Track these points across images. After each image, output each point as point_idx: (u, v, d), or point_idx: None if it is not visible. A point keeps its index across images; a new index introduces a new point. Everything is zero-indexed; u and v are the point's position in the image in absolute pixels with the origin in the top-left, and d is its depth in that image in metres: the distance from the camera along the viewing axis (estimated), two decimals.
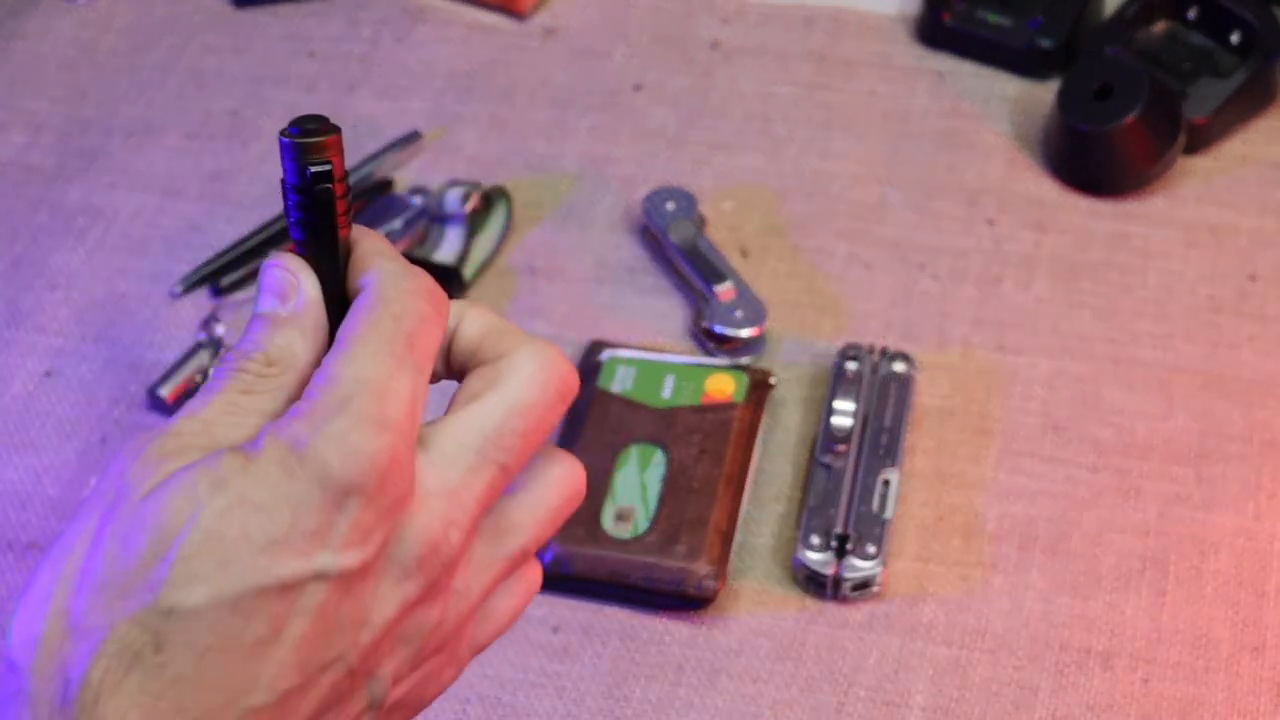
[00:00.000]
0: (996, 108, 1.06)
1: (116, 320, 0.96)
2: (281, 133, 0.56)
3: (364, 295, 0.54)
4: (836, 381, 0.88)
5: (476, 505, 0.53)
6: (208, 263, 0.98)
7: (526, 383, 0.55)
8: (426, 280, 0.55)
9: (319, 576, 0.49)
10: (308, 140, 0.59)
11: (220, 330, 0.95)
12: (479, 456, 0.53)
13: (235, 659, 0.49)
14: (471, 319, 0.56)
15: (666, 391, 0.88)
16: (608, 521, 0.83)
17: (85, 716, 0.48)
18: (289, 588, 0.49)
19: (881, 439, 0.86)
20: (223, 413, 0.52)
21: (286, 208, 0.57)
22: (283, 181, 0.57)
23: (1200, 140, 1.02)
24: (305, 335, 0.54)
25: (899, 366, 0.89)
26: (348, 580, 0.50)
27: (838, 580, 0.82)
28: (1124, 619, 0.81)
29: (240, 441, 0.51)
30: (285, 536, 0.49)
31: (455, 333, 0.56)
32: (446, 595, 0.53)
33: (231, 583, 0.48)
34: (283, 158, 0.57)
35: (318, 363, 0.53)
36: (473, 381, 0.55)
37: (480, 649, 0.57)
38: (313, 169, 0.58)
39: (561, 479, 0.58)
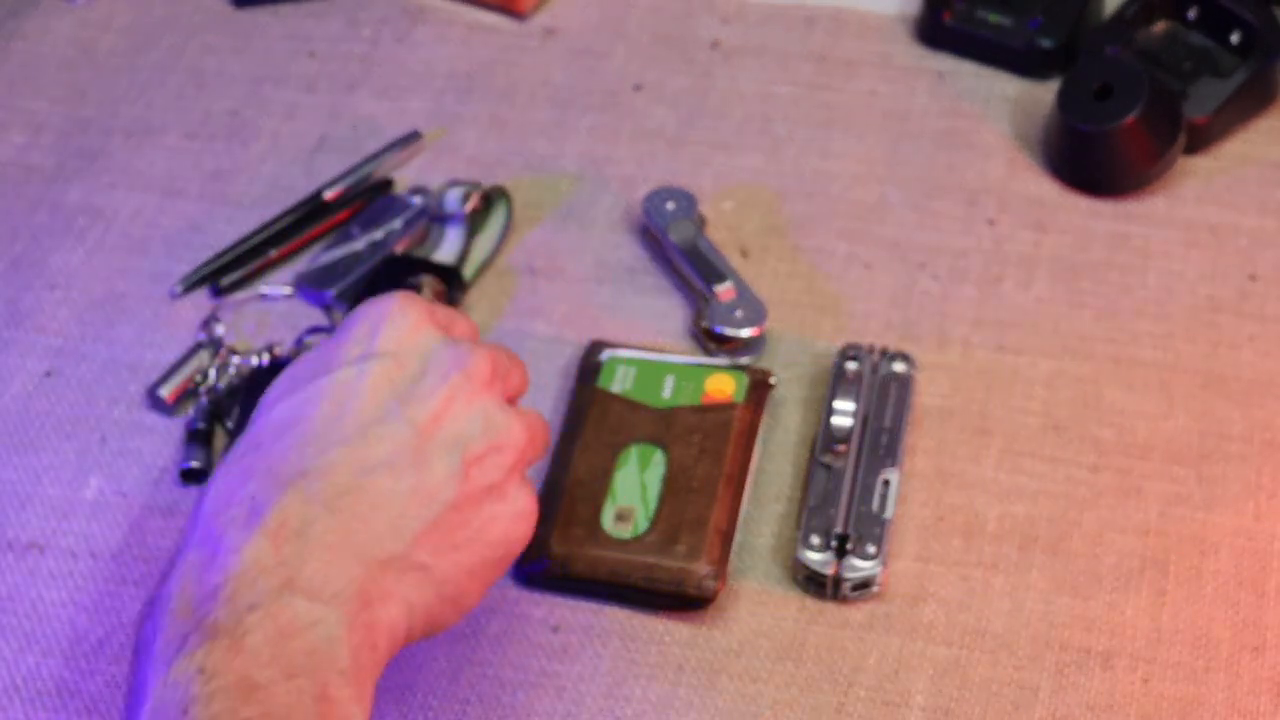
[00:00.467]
0: (997, 107, 1.06)
1: (116, 320, 0.96)
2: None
3: None
4: (836, 381, 0.88)
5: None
6: (207, 263, 0.98)
7: None
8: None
9: (361, 368, 0.71)
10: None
11: (220, 330, 0.95)
12: None
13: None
14: None
15: (666, 391, 0.88)
16: (608, 522, 0.83)
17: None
18: (340, 380, 0.71)
19: (881, 439, 0.86)
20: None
21: None
22: None
23: (1200, 140, 1.02)
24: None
25: (899, 366, 0.89)
26: (385, 367, 0.71)
27: (838, 580, 0.82)
28: (1124, 619, 0.81)
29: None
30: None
31: None
32: (483, 396, 0.72)
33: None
34: None
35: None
36: None
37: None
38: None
39: None
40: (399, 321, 0.71)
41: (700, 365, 0.90)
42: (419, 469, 0.68)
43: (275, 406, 0.70)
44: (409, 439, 0.68)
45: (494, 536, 0.70)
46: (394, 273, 0.95)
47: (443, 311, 0.75)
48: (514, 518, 0.71)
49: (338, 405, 0.69)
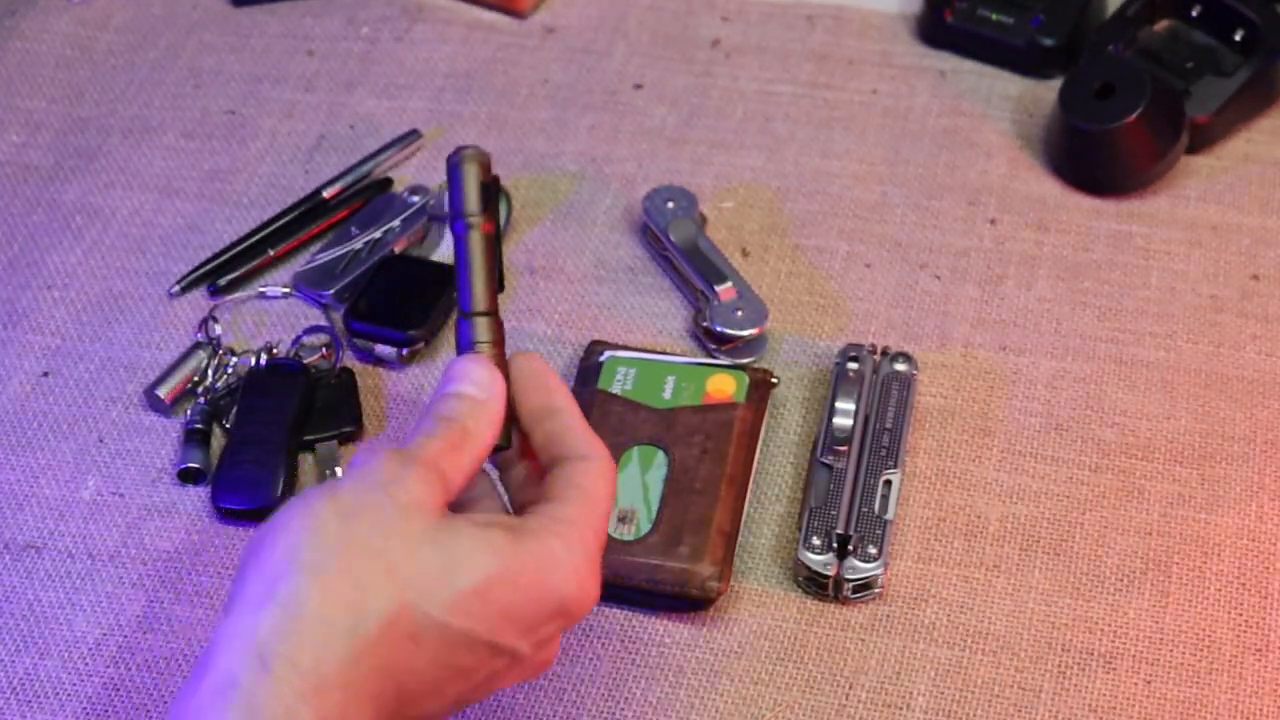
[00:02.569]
0: (998, 107, 1.06)
1: (114, 320, 0.96)
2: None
3: (597, 465, 0.68)
4: (838, 382, 0.88)
5: None
6: (205, 262, 0.98)
7: (603, 499, 0.69)
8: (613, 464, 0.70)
9: (514, 655, 0.65)
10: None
11: (218, 330, 0.94)
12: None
13: (446, 675, 0.63)
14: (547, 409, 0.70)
15: (667, 392, 0.88)
16: (610, 523, 0.82)
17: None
18: (499, 652, 0.64)
19: (883, 439, 0.86)
20: (439, 459, 0.66)
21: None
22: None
23: (1203, 139, 1.01)
24: (494, 425, 0.68)
25: (900, 366, 0.89)
26: (518, 663, 0.65)
27: (839, 581, 0.81)
28: (1126, 620, 0.81)
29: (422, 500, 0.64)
30: (520, 618, 0.64)
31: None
32: None
33: (479, 630, 0.63)
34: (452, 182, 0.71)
35: (490, 450, 0.68)
36: (566, 478, 0.68)
37: None
38: (464, 151, 0.70)
39: None
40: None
41: (701, 365, 0.89)
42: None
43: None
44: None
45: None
46: (392, 273, 0.95)
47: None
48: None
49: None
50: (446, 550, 0.63)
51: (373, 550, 0.62)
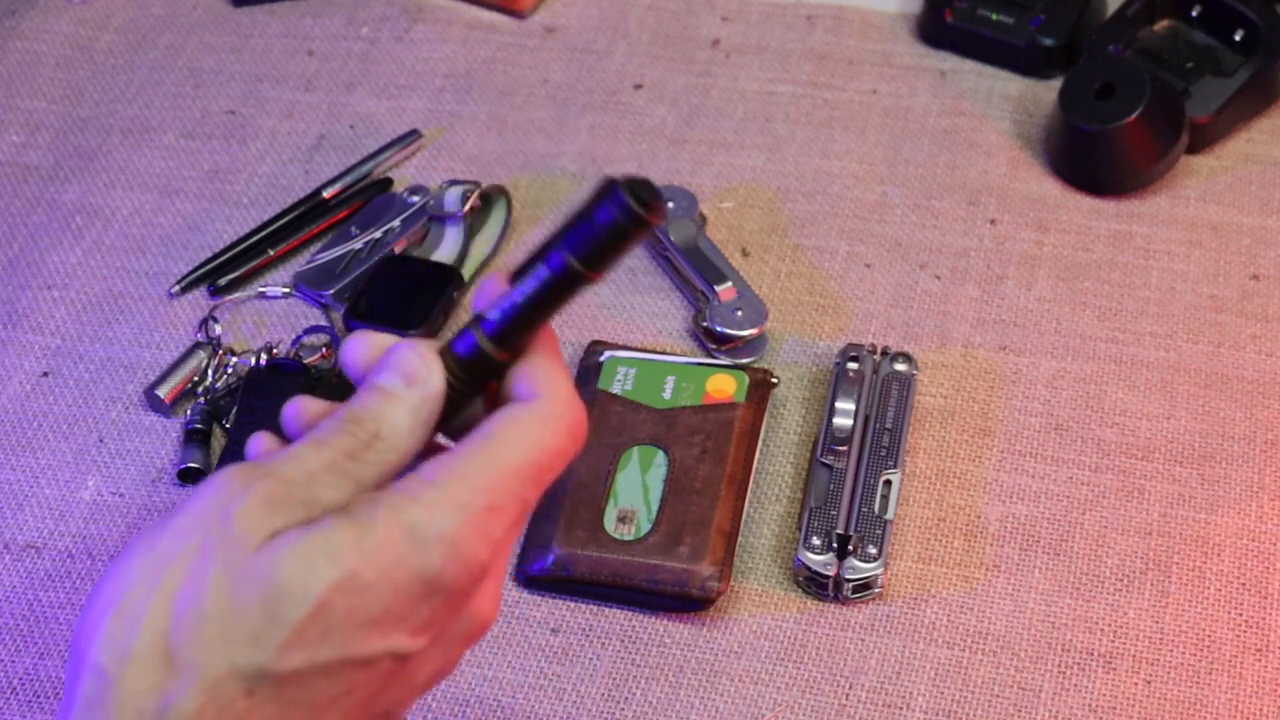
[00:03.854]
0: (998, 107, 1.05)
1: (114, 320, 0.96)
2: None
3: (525, 408, 0.58)
4: (838, 382, 0.88)
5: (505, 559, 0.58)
6: (205, 262, 0.98)
7: (524, 446, 0.58)
8: (580, 415, 0.60)
9: (393, 654, 0.55)
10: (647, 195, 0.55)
11: (218, 330, 0.94)
12: (519, 511, 0.57)
13: (307, 713, 0.54)
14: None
15: (667, 392, 0.88)
16: (610, 523, 0.83)
17: None
18: (369, 662, 0.55)
19: (883, 439, 0.86)
20: (326, 470, 0.55)
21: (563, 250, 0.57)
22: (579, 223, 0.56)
23: (1203, 139, 1.01)
24: (419, 424, 0.57)
25: (900, 366, 0.89)
26: (409, 657, 0.56)
27: (839, 581, 0.81)
28: (1126, 620, 0.81)
29: (335, 504, 0.55)
30: (380, 617, 0.54)
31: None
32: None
33: (326, 653, 0.54)
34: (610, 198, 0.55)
35: (418, 449, 0.57)
36: (512, 417, 0.58)
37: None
38: (636, 209, 0.55)
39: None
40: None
41: (701, 365, 0.89)
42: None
43: None
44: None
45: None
46: (392, 273, 0.95)
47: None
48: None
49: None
50: (269, 583, 0.53)
51: (184, 614, 0.53)
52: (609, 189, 0.54)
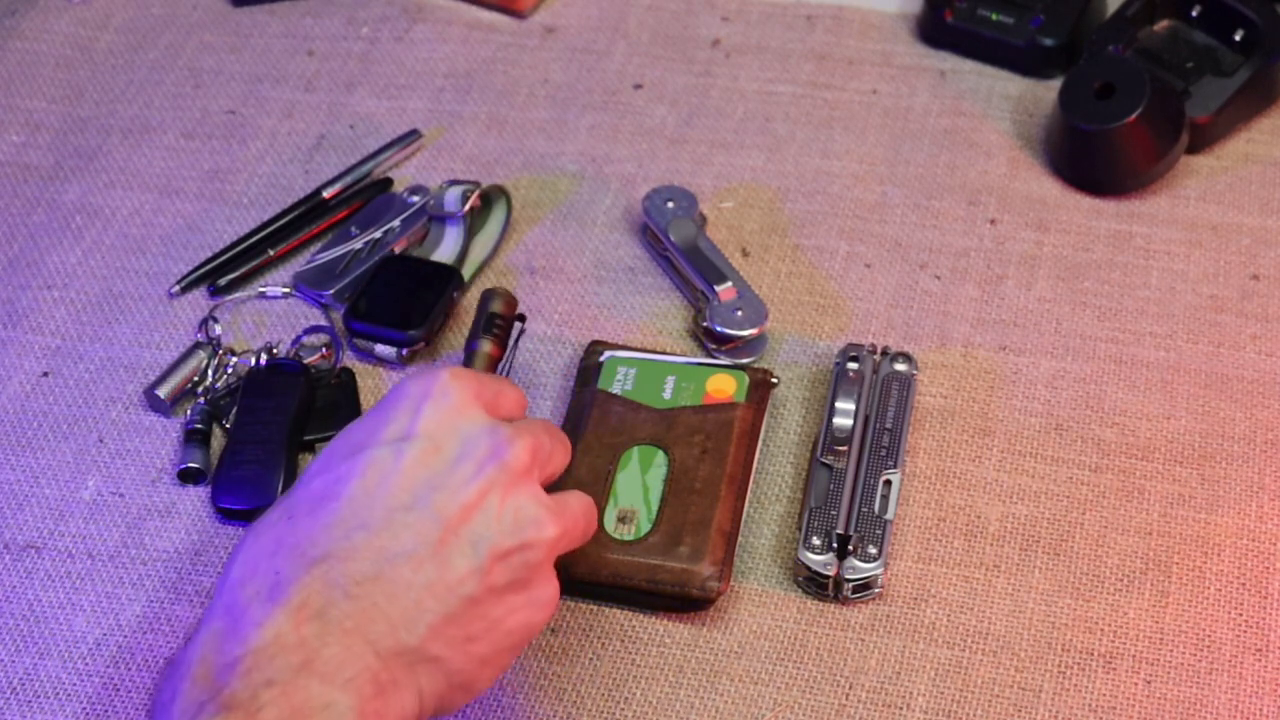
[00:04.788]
0: (998, 107, 1.05)
1: (114, 320, 0.96)
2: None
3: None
4: (838, 382, 0.88)
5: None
6: (205, 262, 0.98)
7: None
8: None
9: (396, 449, 0.71)
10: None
11: (218, 330, 0.94)
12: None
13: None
14: None
15: (667, 392, 0.88)
16: (610, 523, 0.83)
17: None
18: (375, 459, 0.72)
19: (883, 439, 0.86)
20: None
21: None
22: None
23: (1203, 139, 1.01)
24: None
25: (900, 366, 0.89)
26: (420, 452, 0.71)
27: (839, 581, 0.81)
28: (1126, 620, 0.81)
29: None
30: (380, 421, 0.73)
31: None
32: (519, 489, 0.71)
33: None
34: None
35: None
36: None
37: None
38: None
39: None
40: (441, 402, 0.71)
41: (701, 365, 0.89)
42: (439, 563, 0.69)
43: (314, 480, 0.71)
44: (433, 532, 0.69)
45: (511, 626, 0.71)
46: (392, 273, 0.95)
47: (490, 387, 0.74)
48: (534, 608, 0.71)
49: (369, 487, 0.69)
50: None
51: None
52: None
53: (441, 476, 0.70)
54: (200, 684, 0.65)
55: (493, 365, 0.87)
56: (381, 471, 0.70)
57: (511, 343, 0.88)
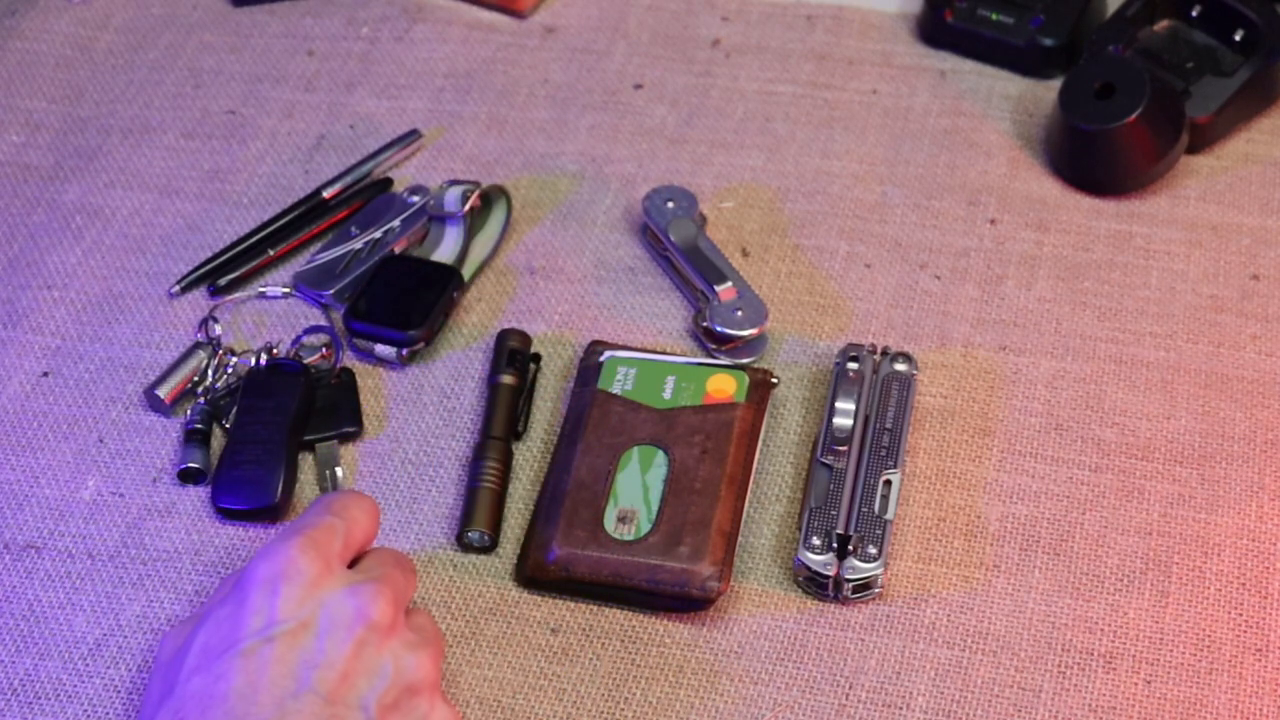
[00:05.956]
0: (998, 107, 1.05)
1: (114, 320, 0.96)
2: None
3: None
4: (838, 382, 0.88)
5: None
6: (205, 262, 0.98)
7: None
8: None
9: (266, 639, 0.71)
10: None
11: (218, 330, 0.94)
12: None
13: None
14: None
15: (667, 392, 0.88)
16: (610, 523, 0.83)
17: None
18: (248, 652, 0.71)
19: (883, 439, 0.86)
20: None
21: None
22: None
23: (1203, 139, 1.01)
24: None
25: (900, 366, 0.89)
26: (289, 636, 0.71)
27: (839, 581, 0.81)
28: (1126, 620, 0.81)
29: None
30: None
31: None
32: (389, 640, 0.73)
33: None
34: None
35: None
36: None
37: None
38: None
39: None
40: (296, 580, 0.73)
41: (701, 365, 0.89)
42: None
43: (192, 679, 0.72)
44: (323, 709, 0.70)
45: None
46: (392, 273, 0.95)
47: (335, 540, 0.75)
48: None
49: (251, 681, 0.70)
50: None
51: None
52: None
53: (314, 654, 0.71)
54: None
55: (514, 394, 0.89)
56: (258, 664, 0.71)
57: (529, 380, 0.91)
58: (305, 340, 0.94)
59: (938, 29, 1.09)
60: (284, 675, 0.70)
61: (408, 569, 0.77)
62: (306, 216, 1.00)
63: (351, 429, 0.89)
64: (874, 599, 0.82)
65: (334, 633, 0.72)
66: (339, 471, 0.88)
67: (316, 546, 0.74)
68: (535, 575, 0.82)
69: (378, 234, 0.98)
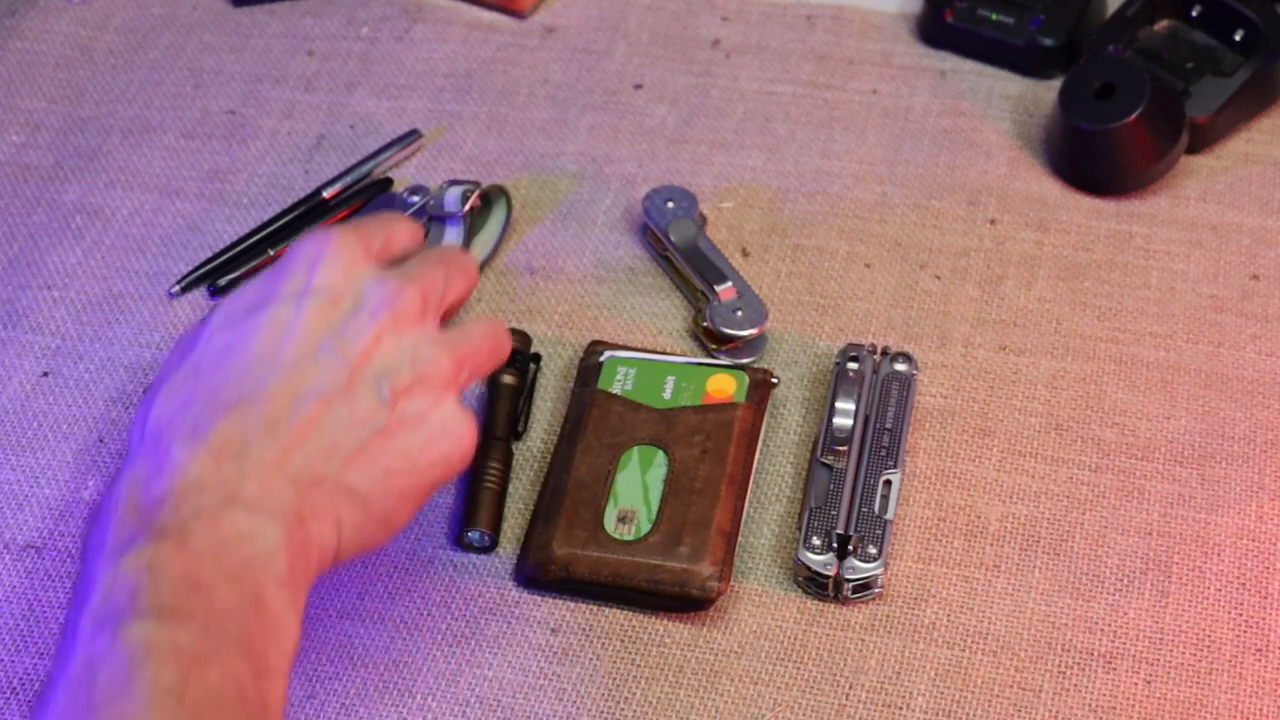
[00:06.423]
0: (998, 107, 1.05)
1: (114, 320, 0.96)
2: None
3: None
4: (838, 382, 0.88)
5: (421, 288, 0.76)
6: (205, 262, 0.98)
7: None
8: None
9: (297, 303, 0.74)
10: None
11: None
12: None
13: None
14: None
15: (667, 392, 0.88)
16: (610, 523, 0.83)
17: None
18: (275, 314, 0.74)
19: (883, 439, 0.86)
20: None
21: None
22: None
23: (1203, 139, 1.01)
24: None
25: (900, 366, 0.89)
26: (320, 305, 0.74)
27: (839, 581, 0.81)
28: (1126, 620, 0.81)
29: None
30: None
31: None
32: (411, 331, 0.75)
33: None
34: None
35: None
36: None
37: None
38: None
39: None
40: (335, 259, 0.75)
41: (701, 365, 0.89)
42: (349, 400, 0.72)
43: (214, 337, 0.74)
44: (341, 373, 0.72)
45: (428, 459, 0.74)
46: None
47: (379, 236, 0.79)
48: (448, 440, 0.74)
49: (274, 339, 0.73)
50: None
51: None
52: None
53: (340, 327, 0.73)
54: (129, 521, 0.68)
55: (514, 394, 0.90)
56: (284, 325, 0.73)
57: (529, 380, 0.91)
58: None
59: (938, 29, 1.09)
60: (308, 339, 0.73)
61: (456, 270, 0.79)
62: (306, 216, 1.00)
63: None
64: (874, 599, 0.82)
65: (362, 312, 0.74)
66: None
67: (361, 237, 0.77)
68: (535, 575, 0.82)
69: None
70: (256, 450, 0.70)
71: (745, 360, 0.92)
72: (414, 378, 0.74)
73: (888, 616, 0.82)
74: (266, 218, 1.00)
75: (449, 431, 0.74)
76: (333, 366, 0.72)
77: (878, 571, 0.81)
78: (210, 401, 0.71)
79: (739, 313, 0.92)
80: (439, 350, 0.75)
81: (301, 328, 0.73)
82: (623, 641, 0.81)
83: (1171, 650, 0.80)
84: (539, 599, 0.83)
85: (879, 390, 0.88)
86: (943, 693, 0.79)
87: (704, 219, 0.99)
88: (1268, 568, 0.83)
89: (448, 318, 0.78)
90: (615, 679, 0.80)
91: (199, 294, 0.97)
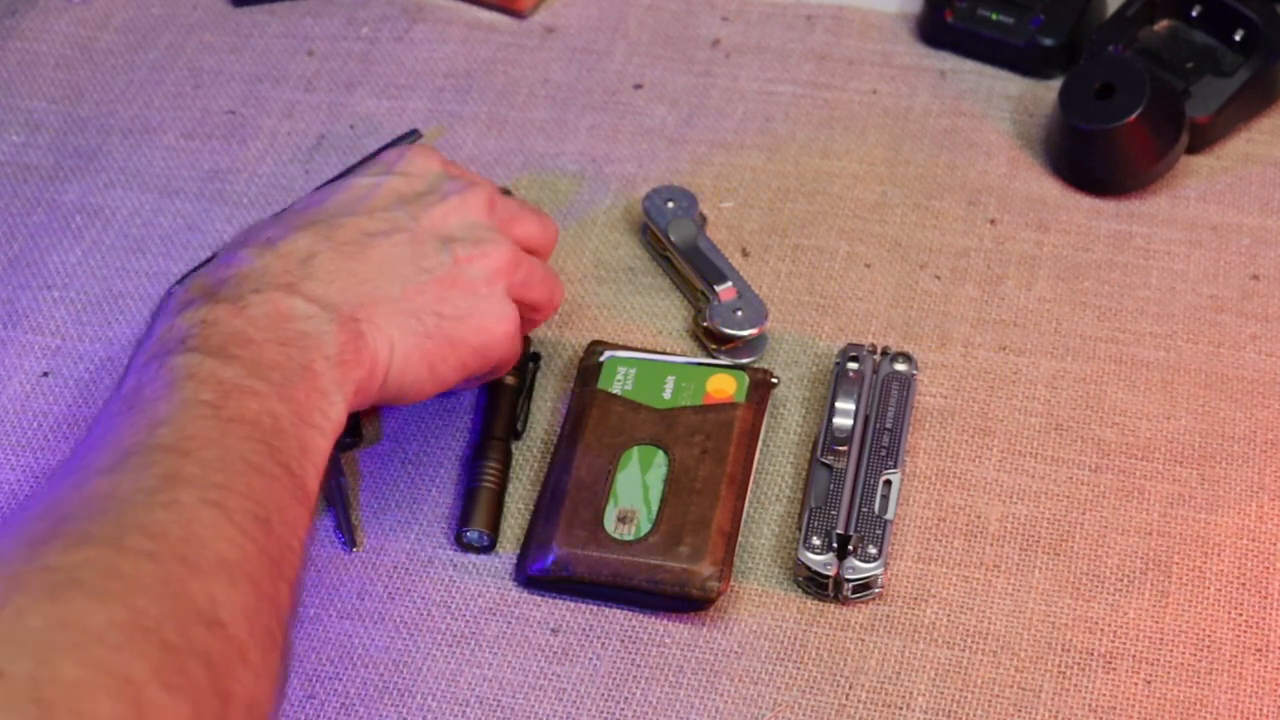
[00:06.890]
0: (998, 107, 1.05)
1: (114, 320, 0.96)
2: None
3: None
4: (838, 382, 0.88)
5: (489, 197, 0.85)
6: (205, 262, 0.98)
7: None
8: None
9: (380, 178, 0.83)
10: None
11: None
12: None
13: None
14: None
15: (667, 392, 0.88)
16: (610, 523, 0.83)
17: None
18: (360, 182, 0.84)
19: (883, 439, 0.86)
20: None
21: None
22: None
23: (1203, 139, 1.01)
24: None
25: (900, 366, 0.89)
26: (401, 180, 0.83)
27: (839, 581, 0.81)
28: (1126, 620, 0.81)
29: None
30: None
31: None
32: (476, 217, 0.83)
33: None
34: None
35: None
36: None
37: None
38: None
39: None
40: (419, 157, 0.85)
41: (701, 365, 0.89)
42: (415, 248, 0.80)
43: (297, 202, 0.84)
44: (409, 225, 0.80)
45: (476, 324, 0.80)
46: None
47: (459, 168, 0.87)
48: (497, 319, 0.81)
49: (354, 198, 0.82)
50: None
51: None
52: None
53: (414, 199, 0.82)
54: (193, 293, 0.75)
55: (514, 394, 0.90)
56: (363, 190, 0.82)
57: (528, 380, 0.91)
58: None
59: (938, 29, 1.09)
60: (385, 198, 0.81)
61: (531, 209, 0.88)
62: None
63: (348, 440, 0.88)
64: (874, 599, 0.82)
65: (435, 193, 0.82)
66: (343, 482, 0.87)
67: (443, 156, 0.86)
68: (535, 575, 0.82)
69: None
70: (323, 258, 0.77)
71: (745, 360, 0.92)
72: (476, 251, 0.81)
73: (888, 616, 0.82)
74: (266, 218, 1.00)
75: (500, 311, 0.81)
76: (402, 219, 0.80)
77: (878, 571, 0.81)
78: (285, 225, 0.79)
79: (739, 313, 0.92)
80: (500, 238, 0.82)
81: (378, 194, 0.81)
82: (623, 641, 0.81)
83: (1171, 650, 0.80)
84: (539, 599, 0.83)
85: (879, 390, 0.88)
86: (943, 693, 0.79)
87: (704, 219, 0.99)
88: (1268, 568, 0.83)
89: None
90: (615, 679, 0.80)
91: None
